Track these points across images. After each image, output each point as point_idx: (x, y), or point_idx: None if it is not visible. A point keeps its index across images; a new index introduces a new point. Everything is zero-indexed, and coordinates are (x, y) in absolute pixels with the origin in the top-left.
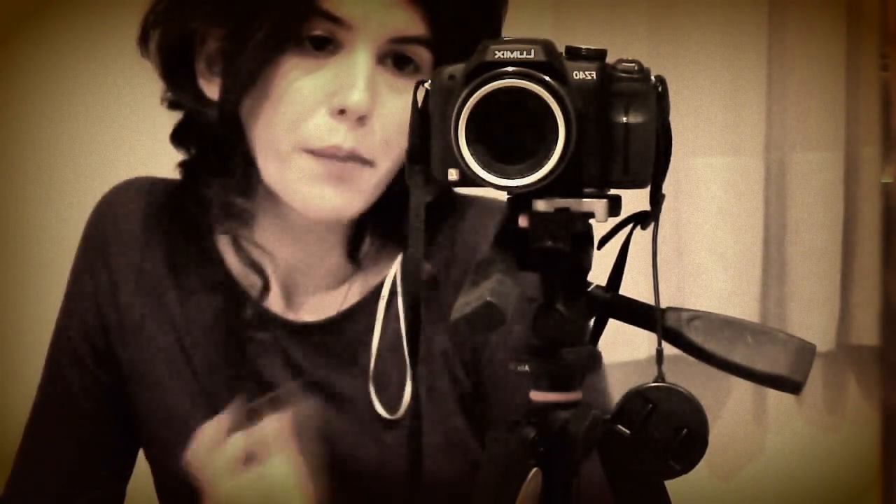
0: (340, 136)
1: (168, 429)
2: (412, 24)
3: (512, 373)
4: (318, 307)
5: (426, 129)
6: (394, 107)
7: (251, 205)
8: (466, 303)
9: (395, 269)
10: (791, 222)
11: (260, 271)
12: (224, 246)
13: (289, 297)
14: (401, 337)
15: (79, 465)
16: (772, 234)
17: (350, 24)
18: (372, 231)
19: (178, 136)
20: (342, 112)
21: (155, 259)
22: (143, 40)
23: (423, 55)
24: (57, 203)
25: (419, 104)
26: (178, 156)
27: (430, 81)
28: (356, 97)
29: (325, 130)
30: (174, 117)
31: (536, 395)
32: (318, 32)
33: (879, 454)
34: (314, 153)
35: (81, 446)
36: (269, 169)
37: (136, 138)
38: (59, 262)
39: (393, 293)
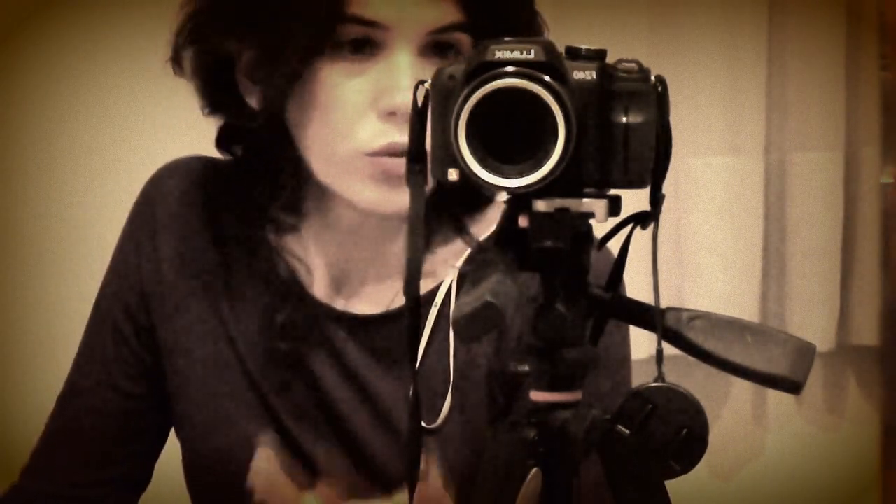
0: (395, 135)
1: (204, 410)
2: (448, 13)
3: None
4: (372, 299)
5: (426, 129)
6: None
7: (297, 214)
8: (466, 302)
9: (452, 275)
10: (791, 222)
11: (296, 283)
12: (272, 232)
13: (340, 285)
14: (448, 346)
15: (109, 439)
16: (772, 234)
17: (385, 25)
18: (437, 220)
19: (223, 141)
20: (392, 114)
21: (202, 239)
22: (176, 60)
23: (463, 39)
24: (57, 203)
25: (419, 104)
26: (177, 156)
27: (429, 81)
28: (403, 97)
29: (379, 133)
30: (174, 117)
31: (536, 395)
32: (353, 36)
33: (879, 454)
34: (371, 154)
35: (113, 421)
36: (328, 172)
37: (137, 138)
38: (60, 262)
39: (447, 301)
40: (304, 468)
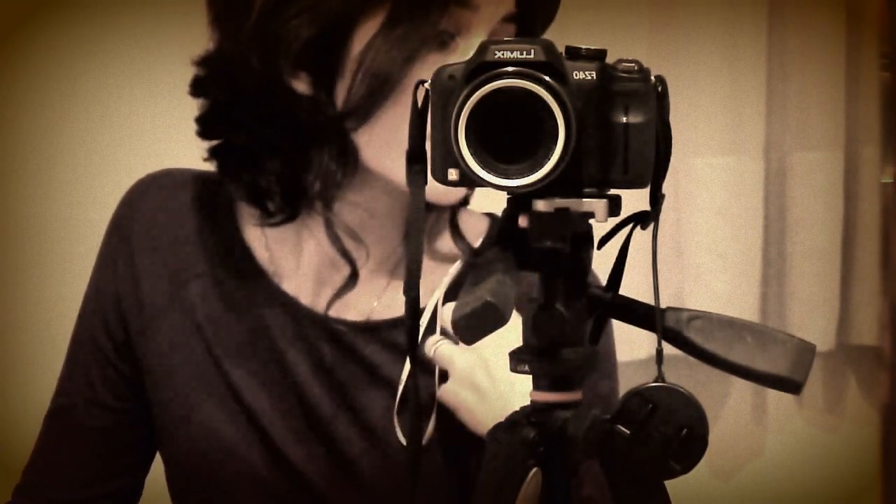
0: None
1: (185, 420)
2: (511, 2)
3: None
4: (356, 304)
5: (426, 129)
6: None
7: (293, 206)
8: (466, 303)
9: (444, 285)
10: (791, 222)
11: (348, 257)
12: (252, 238)
13: (320, 288)
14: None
15: (97, 455)
16: (772, 234)
17: (476, 5)
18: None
19: (208, 124)
20: None
21: (179, 251)
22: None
23: (511, 32)
24: (58, 203)
25: (419, 104)
26: (176, 157)
27: (429, 81)
28: None
29: None
30: (174, 118)
31: (536, 395)
32: (447, 28)
33: (879, 454)
34: None
35: (100, 437)
36: (384, 159)
37: (136, 139)
38: (59, 262)
39: (435, 314)
40: (287, 472)
